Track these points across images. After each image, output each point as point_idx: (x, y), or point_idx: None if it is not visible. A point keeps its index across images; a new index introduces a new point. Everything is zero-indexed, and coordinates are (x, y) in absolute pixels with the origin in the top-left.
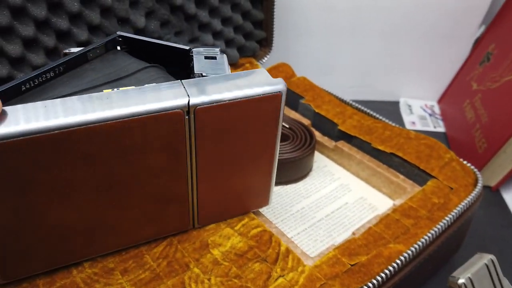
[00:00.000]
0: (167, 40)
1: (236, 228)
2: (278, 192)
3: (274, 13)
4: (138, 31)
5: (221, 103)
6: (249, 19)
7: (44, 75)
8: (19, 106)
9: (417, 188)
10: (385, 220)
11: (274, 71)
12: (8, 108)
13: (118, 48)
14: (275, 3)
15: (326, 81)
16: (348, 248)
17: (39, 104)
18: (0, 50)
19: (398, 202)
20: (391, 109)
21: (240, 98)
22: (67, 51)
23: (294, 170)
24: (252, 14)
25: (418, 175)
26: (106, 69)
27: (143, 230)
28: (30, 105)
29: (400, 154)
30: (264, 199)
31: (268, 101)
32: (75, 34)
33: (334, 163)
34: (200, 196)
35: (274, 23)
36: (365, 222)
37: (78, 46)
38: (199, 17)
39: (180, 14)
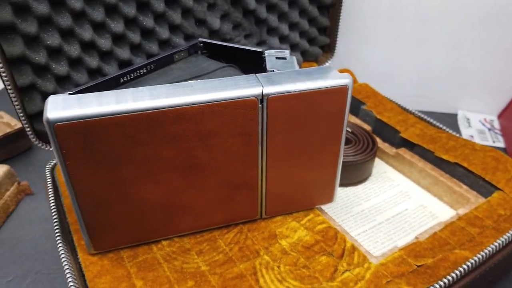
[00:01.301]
0: (237, 42)
1: (302, 222)
2: (339, 193)
3: (340, 21)
4: (212, 32)
5: (291, 93)
6: (315, 25)
7: (138, 71)
8: (115, 91)
9: (481, 199)
10: (450, 227)
11: None
12: (107, 92)
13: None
14: (341, 11)
15: (384, 89)
16: (413, 250)
17: (132, 89)
18: (92, 44)
19: (462, 211)
20: (449, 121)
21: (309, 90)
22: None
23: (355, 173)
24: (318, 20)
25: (483, 187)
26: (189, 68)
27: (216, 215)
28: (124, 90)
29: (465, 165)
30: (329, 196)
31: (335, 94)
32: (157, 32)
33: (394, 169)
34: (269, 185)
35: (339, 29)
36: (428, 228)
37: (159, 44)
38: (269, 21)
39: (251, 18)
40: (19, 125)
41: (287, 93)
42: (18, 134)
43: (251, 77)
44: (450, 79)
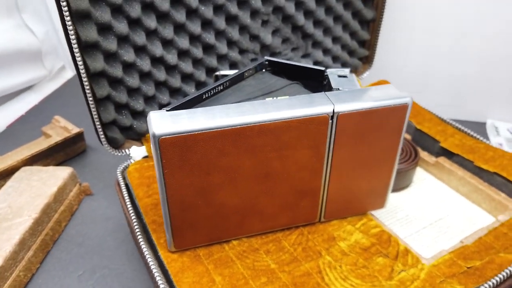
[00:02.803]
0: (285, 56)
1: (357, 226)
2: None
3: (379, 35)
4: (263, 47)
5: (358, 111)
6: (355, 38)
7: (217, 88)
8: (208, 108)
9: None
10: (494, 232)
11: None
12: (200, 109)
13: (263, 70)
14: (381, 26)
15: (416, 98)
16: (462, 253)
17: (220, 107)
18: (161, 59)
19: (502, 218)
20: (478, 129)
21: (374, 108)
22: (218, 73)
23: (399, 181)
24: (359, 34)
25: None
26: (259, 85)
27: (281, 218)
28: (213, 108)
29: (504, 174)
30: (381, 202)
31: (396, 111)
32: (217, 47)
33: (434, 177)
34: (330, 192)
35: (377, 43)
36: (472, 233)
37: (217, 59)
38: (315, 35)
39: (299, 33)
40: (76, 130)
41: (355, 111)
42: (75, 138)
43: (321, 95)
44: (479, 89)
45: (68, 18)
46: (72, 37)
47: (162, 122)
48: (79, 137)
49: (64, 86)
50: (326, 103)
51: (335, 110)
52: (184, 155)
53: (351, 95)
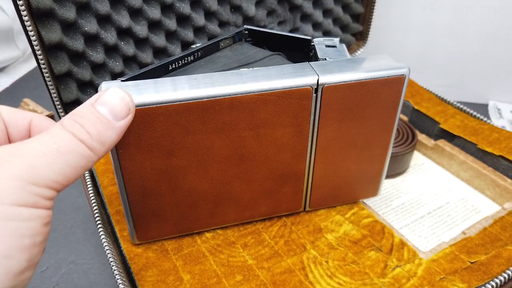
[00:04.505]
0: (270, 29)
1: (347, 216)
2: None
3: (374, 8)
4: (247, 19)
5: (346, 82)
6: (348, 12)
7: (186, 58)
8: (170, 78)
9: None
10: (500, 222)
11: None
12: (160, 80)
13: (243, 40)
14: None
15: (414, 78)
16: (465, 246)
17: (187, 77)
18: (128, 31)
19: (509, 206)
20: (480, 111)
21: (365, 79)
22: (194, 46)
23: (394, 166)
24: (352, 7)
25: None
26: (235, 56)
27: (260, 207)
28: (179, 77)
29: (510, 158)
30: (374, 190)
31: (391, 84)
32: (193, 19)
33: (433, 161)
34: (316, 177)
35: (372, 17)
36: (475, 223)
37: (194, 31)
38: (303, 7)
39: (286, 4)
40: (46, 113)
41: (342, 83)
42: None
43: (304, 65)
44: (481, 69)
45: None
46: (20, 2)
47: None
48: None
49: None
50: (310, 74)
51: (319, 82)
52: (141, 133)
53: (338, 65)
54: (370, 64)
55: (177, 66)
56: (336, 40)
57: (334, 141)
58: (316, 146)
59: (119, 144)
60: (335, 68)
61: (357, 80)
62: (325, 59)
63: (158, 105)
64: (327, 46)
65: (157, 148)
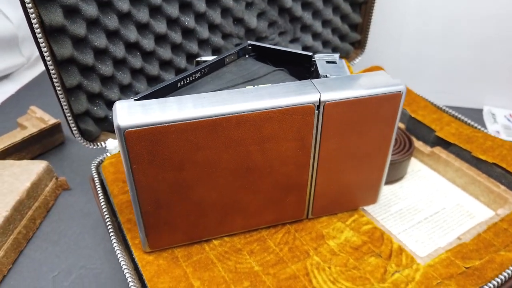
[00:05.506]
0: (271, 40)
1: (347, 223)
2: None
3: (372, 18)
4: (248, 31)
5: (347, 100)
6: (346, 22)
7: (194, 75)
8: (180, 97)
9: None
10: (494, 228)
11: None
12: (170, 99)
13: (247, 56)
14: (374, 8)
15: (410, 84)
16: (460, 251)
17: (193, 96)
18: (136, 45)
19: (502, 212)
20: (474, 116)
21: (364, 96)
22: (199, 59)
23: (392, 173)
24: (350, 17)
25: None
26: (240, 72)
27: (266, 215)
28: (185, 97)
29: (503, 165)
30: (373, 197)
31: (389, 100)
32: (198, 32)
33: (429, 168)
34: (318, 187)
35: (370, 27)
36: (470, 228)
37: (198, 44)
38: (303, 19)
39: (286, 16)
40: (52, 121)
41: (343, 100)
42: (52, 130)
43: (306, 83)
44: (475, 75)
45: (29, 0)
46: (34, 20)
47: (128, 113)
48: (56, 128)
49: (44, 74)
50: (312, 92)
51: (321, 99)
52: (154, 150)
53: (339, 82)
54: (369, 81)
55: (185, 82)
56: (336, 56)
57: (335, 154)
58: (318, 158)
59: (133, 159)
60: (336, 85)
61: (357, 97)
62: (326, 75)
63: (170, 123)
64: (328, 62)
65: (168, 163)
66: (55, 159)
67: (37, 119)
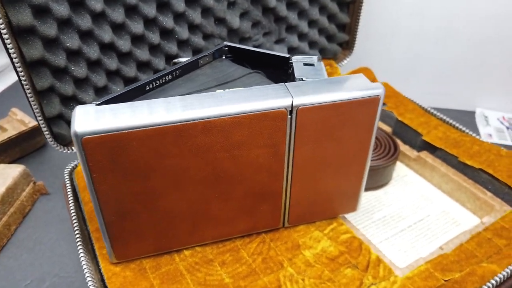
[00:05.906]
0: (256, 41)
1: (325, 232)
2: None
3: (360, 18)
4: (231, 31)
5: (321, 104)
6: (334, 22)
7: (164, 78)
8: (145, 102)
9: (507, 207)
10: (477, 238)
11: None
12: (135, 103)
13: (223, 57)
14: (362, 8)
15: (401, 85)
16: (440, 263)
17: (163, 100)
18: (111, 45)
19: (487, 220)
20: (466, 119)
21: (340, 101)
22: (176, 60)
23: (376, 178)
24: (338, 17)
25: (508, 194)
26: (215, 74)
27: (239, 224)
28: (155, 100)
29: (490, 171)
30: (352, 205)
31: (366, 105)
32: (177, 32)
33: (415, 173)
34: (293, 195)
35: (358, 27)
36: (453, 238)
37: (178, 44)
38: (289, 19)
39: (271, 16)
40: (33, 123)
41: (317, 104)
42: (32, 132)
43: (280, 86)
44: (468, 76)
45: None
46: (0, 21)
47: (86, 118)
48: (37, 131)
49: None
50: (284, 96)
51: (294, 104)
52: (115, 158)
53: (314, 86)
54: (346, 85)
55: (154, 86)
56: (314, 58)
57: (310, 160)
58: (292, 165)
59: (92, 168)
60: (310, 89)
61: (332, 102)
62: (302, 79)
63: (132, 130)
64: (305, 64)
65: (131, 172)
66: (35, 162)
67: (17, 121)
